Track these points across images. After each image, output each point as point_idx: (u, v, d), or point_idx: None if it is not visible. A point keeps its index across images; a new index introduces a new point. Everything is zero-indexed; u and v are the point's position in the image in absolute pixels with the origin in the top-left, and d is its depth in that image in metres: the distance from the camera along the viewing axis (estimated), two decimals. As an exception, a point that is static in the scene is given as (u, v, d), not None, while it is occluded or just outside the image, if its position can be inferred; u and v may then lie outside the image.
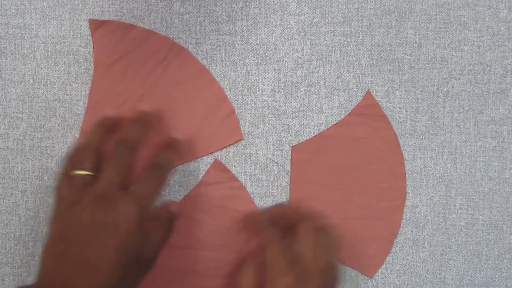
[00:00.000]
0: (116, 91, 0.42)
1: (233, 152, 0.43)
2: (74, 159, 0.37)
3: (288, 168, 0.43)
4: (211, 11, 0.43)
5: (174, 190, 0.44)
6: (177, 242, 0.43)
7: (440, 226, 0.43)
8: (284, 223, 0.38)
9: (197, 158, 0.43)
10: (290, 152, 0.43)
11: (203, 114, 0.43)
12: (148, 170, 0.37)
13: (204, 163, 0.43)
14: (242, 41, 0.43)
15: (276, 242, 0.36)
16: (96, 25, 0.42)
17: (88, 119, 0.43)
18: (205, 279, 0.42)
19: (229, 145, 0.43)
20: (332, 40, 0.43)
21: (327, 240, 0.37)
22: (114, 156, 0.37)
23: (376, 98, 0.43)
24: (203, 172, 0.43)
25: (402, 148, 0.43)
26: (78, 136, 0.43)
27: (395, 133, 0.43)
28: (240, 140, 0.43)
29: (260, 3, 0.43)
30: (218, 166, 0.43)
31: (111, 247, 0.34)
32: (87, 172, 0.37)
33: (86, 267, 0.33)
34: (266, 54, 0.43)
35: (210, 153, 0.43)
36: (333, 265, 0.36)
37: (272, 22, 0.43)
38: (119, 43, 0.42)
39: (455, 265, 0.44)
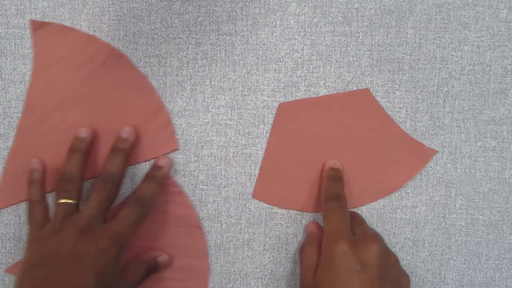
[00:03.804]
0: (54, 93, 0.42)
1: (233, 152, 0.43)
2: (60, 187, 0.39)
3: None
4: (211, 11, 0.43)
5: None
6: None
7: (440, 226, 0.43)
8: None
9: (131, 165, 0.43)
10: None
11: (139, 122, 0.43)
12: (131, 204, 0.39)
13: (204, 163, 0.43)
14: (242, 41, 0.43)
15: (333, 213, 0.39)
16: (36, 26, 0.42)
17: (25, 121, 0.43)
18: None
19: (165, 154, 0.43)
20: (332, 40, 0.43)
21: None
22: (98, 190, 0.39)
23: (376, 98, 0.43)
24: (202, 172, 0.43)
25: (402, 148, 0.43)
26: (14, 135, 0.43)
27: (396, 125, 0.43)
28: (175, 150, 0.43)
29: (260, 3, 0.43)
30: None
31: (89, 276, 0.35)
32: (72, 201, 0.39)
33: None
34: (266, 54, 0.43)
35: (146, 161, 0.43)
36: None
37: (272, 22, 0.43)
38: (59, 46, 0.42)
39: (455, 265, 0.44)
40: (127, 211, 0.39)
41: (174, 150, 0.43)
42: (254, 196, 0.43)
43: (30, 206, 0.40)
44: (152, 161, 0.43)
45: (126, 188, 0.43)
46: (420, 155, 0.43)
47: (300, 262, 0.40)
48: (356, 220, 0.41)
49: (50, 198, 0.43)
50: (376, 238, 0.38)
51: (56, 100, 0.42)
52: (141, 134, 0.43)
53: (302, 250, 0.41)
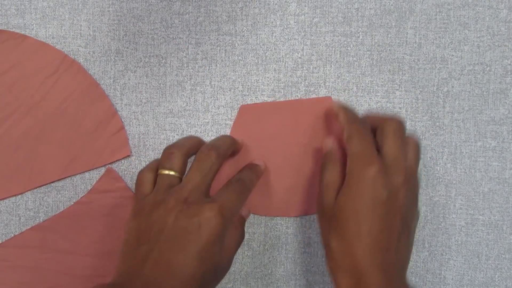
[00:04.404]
0: (5, 101, 0.42)
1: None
2: (164, 157, 0.37)
3: None
4: (211, 11, 0.43)
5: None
6: (62, 246, 0.43)
7: (440, 226, 0.43)
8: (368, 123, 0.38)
9: (85, 171, 0.43)
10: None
11: (92, 128, 0.43)
12: (232, 182, 0.37)
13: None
14: (242, 41, 0.43)
15: (359, 134, 0.36)
16: None
17: None
18: (84, 285, 0.42)
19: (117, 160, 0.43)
20: (332, 40, 0.43)
21: (414, 148, 0.37)
22: (202, 159, 0.36)
23: (376, 98, 0.43)
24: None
25: (402, 148, 0.43)
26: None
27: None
28: (128, 156, 0.43)
29: (260, 3, 0.43)
30: (111, 174, 0.43)
31: (193, 255, 0.33)
32: (174, 173, 0.36)
33: (167, 272, 0.33)
34: (266, 54, 0.43)
35: (98, 167, 0.43)
36: (416, 173, 0.37)
37: (272, 22, 0.43)
38: (11, 53, 0.42)
39: (455, 265, 0.44)
40: (229, 187, 0.36)
41: (127, 156, 0.43)
42: None
43: (143, 173, 0.37)
44: (102, 169, 0.43)
45: (71, 198, 0.43)
46: None
47: (321, 179, 0.37)
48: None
49: (12, 202, 0.43)
50: (405, 166, 0.36)
51: (7, 109, 0.42)
52: (93, 140, 0.43)
53: (323, 166, 0.38)
